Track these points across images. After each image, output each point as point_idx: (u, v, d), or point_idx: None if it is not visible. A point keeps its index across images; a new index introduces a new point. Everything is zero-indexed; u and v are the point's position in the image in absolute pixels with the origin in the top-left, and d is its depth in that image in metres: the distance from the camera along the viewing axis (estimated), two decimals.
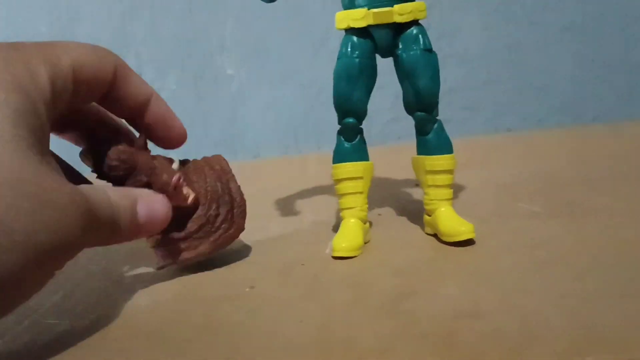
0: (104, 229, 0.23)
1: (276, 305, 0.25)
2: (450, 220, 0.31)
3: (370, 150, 0.33)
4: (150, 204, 0.26)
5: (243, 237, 0.32)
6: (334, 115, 0.33)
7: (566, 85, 0.73)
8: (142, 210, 0.26)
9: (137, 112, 0.28)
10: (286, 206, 0.43)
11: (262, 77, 0.73)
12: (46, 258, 0.20)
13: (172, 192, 0.28)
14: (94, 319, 0.26)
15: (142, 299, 0.28)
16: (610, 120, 0.73)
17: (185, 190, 0.29)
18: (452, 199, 0.32)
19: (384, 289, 0.26)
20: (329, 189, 0.37)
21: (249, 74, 0.74)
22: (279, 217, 0.40)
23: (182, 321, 0.25)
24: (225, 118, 0.73)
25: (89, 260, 0.34)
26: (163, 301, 0.27)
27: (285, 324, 0.23)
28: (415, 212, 0.36)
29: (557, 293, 0.24)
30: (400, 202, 0.41)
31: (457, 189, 0.41)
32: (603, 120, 0.74)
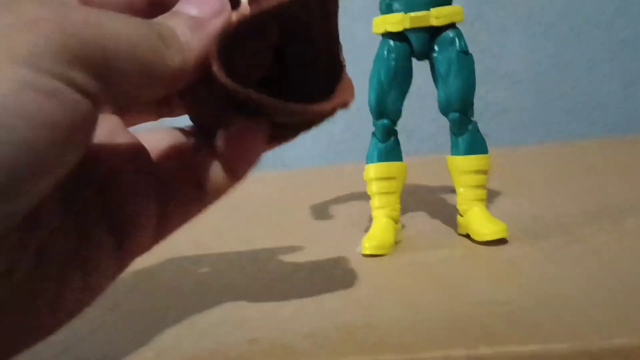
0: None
1: (305, 298, 0.26)
2: (482, 219, 0.31)
3: (410, 159, 0.33)
4: None
5: (275, 239, 0.32)
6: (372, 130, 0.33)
7: (618, 104, 0.71)
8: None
9: None
10: (320, 210, 0.43)
11: None
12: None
13: None
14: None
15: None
16: None
17: None
18: (487, 201, 0.32)
19: (408, 284, 0.26)
20: (363, 196, 0.37)
21: None
22: (312, 221, 0.41)
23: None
24: None
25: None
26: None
27: (309, 312, 0.24)
28: (449, 215, 0.36)
29: (591, 283, 0.24)
30: (435, 206, 0.41)
31: (493, 196, 0.41)
32: None
